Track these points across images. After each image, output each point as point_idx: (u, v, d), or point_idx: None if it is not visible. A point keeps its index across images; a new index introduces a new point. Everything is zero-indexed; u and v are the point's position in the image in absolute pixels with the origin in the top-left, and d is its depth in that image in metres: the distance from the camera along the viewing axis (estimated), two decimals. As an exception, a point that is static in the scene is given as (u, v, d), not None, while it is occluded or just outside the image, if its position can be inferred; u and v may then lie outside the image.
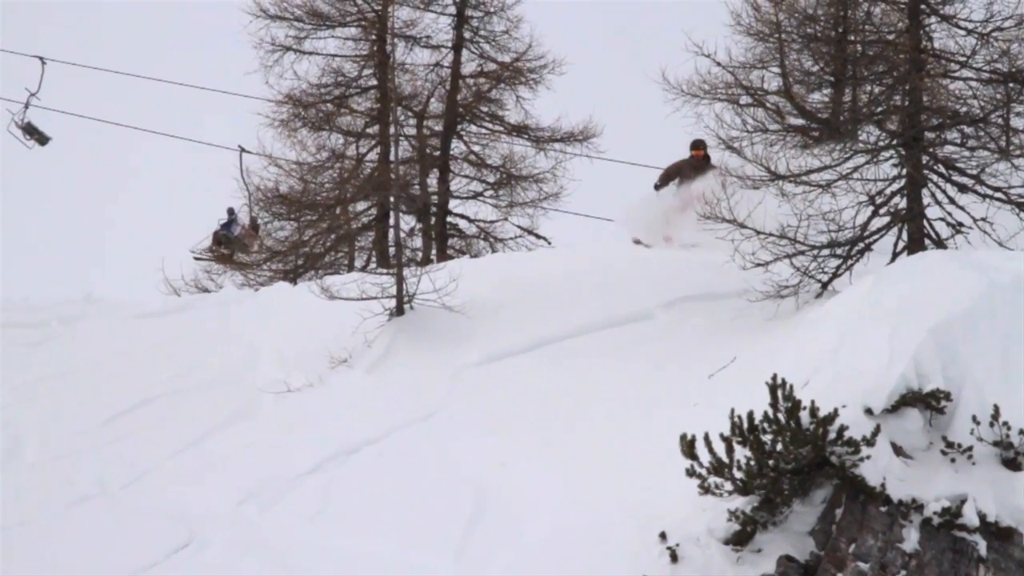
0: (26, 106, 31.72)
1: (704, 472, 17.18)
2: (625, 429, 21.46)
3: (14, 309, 31.36)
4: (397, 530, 19.84)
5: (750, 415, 16.97)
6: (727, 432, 17.06)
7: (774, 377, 16.91)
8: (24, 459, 23.57)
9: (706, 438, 17.07)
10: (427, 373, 25.79)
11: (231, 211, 32.11)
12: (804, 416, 16.82)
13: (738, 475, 17.01)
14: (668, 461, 17.85)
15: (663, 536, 17.52)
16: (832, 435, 16.75)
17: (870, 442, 16.68)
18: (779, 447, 16.84)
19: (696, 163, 27.55)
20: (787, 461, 16.86)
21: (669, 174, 28.07)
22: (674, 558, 17.01)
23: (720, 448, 17.06)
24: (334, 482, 21.93)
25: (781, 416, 16.85)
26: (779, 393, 16.89)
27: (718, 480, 17.20)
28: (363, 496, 21.24)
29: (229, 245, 32.54)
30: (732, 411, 17.09)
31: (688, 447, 17.25)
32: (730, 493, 17.25)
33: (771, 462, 16.87)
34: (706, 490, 17.27)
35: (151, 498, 22.21)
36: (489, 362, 25.77)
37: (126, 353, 28.53)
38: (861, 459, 16.72)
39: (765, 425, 16.92)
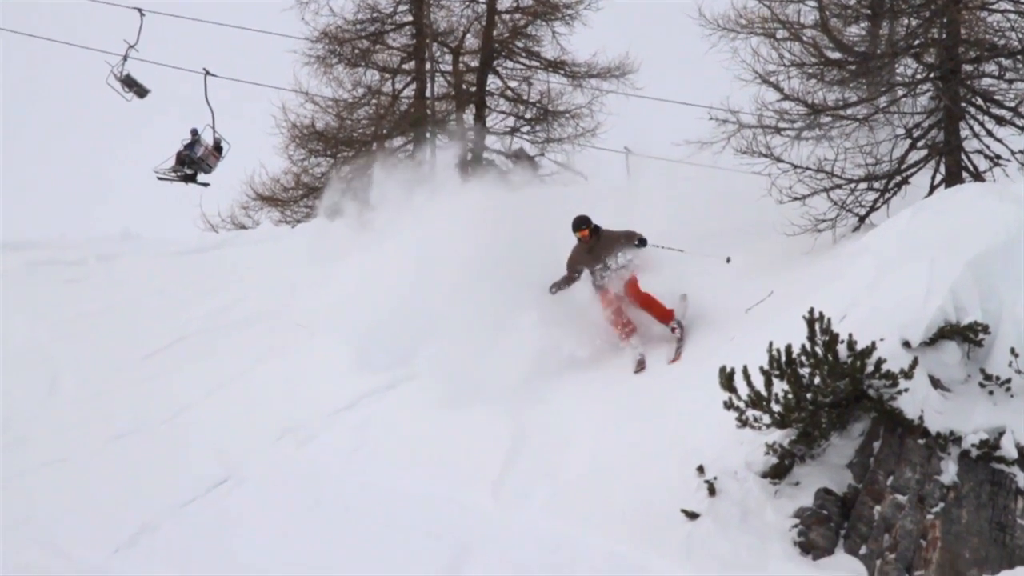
0: (124, 58, 31.56)
1: (742, 405, 17.11)
2: (663, 364, 21.42)
3: (52, 246, 31.45)
4: (434, 466, 19.90)
5: (788, 349, 16.89)
6: (765, 366, 16.99)
7: (811, 311, 16.81)
8: (63, 395, 23.70)
9: (744, 372, 17.00)
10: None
11: (194, 131, 31.93)
12: (842, 349, 16.75)
13: (776, 408, 16.95)
14: (706, 395, 17.81)
15: (701, 470, 17.49)
16: (870, 368, 16.68)
17: (908, 375, 16.60)
18: (817, 380, 16.77)
19: (587, 244, 21.13)
20: (825, 394, 16.79)
21: (571, 269, 21.58)
22: (712, 491, 16.98)
23: (758, 381, 16.99)
24: (372, 418, 21.99)
25: (819, 349, 16.77)
26: (817, 327, 16.80)
27: (756, 413, 17.14)
28: (400, 432, 21.29)
29: (192, 165, 32.40)
30: (770, 345, 17.01)
31: (726, 380, 17.18)
32: (768, 426, 17.19)
33: (809, 395, 16.79)
34: (744, 423, 17.20)
35: (189, 434, 22.33)
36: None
37: (164, 290, 28.62)
38: (899, 392, 16.65)
39: (803, 358, 16.84)
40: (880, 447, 16.79)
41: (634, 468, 18.43)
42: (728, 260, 19.70)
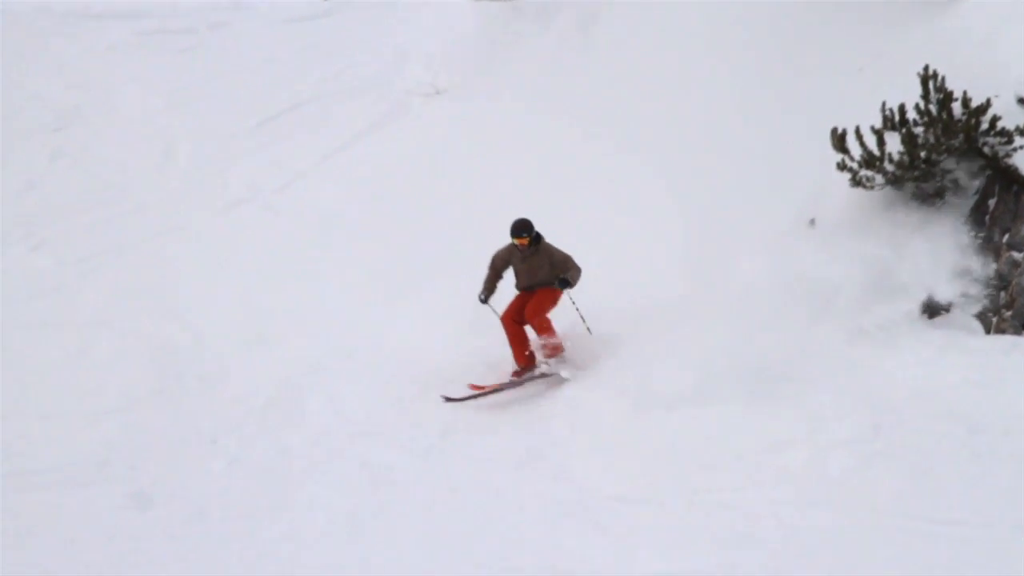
0: None
1: (855, 165, 16.92)
2: (774, 120, 21.14)
3: (162, 15, 31.38)
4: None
5: (901, 107, 16.61)
6: (878, 125, 16.75)
7: (926, 68, 16.48)
8: (177, 165, 23.88)
9: (857, 131, 16.76)
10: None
11: None
12: (956, 107, 16.43)
13: (889, 168, 16.74)
14: (819, 154, 17.62)
15: (812, 223, 17.43)
16: (984, 125, 16.37)
17: (1023, 132, 16.31)
18: (931, 138, 16.51)
19: (523, 252, 17.43)
20: (939, 152, 16.54)
21: (497, 266, 17.67)
22: (824, 246, 16.96)
23: (871, 141, 16.76)
24: (475, 181, 22.00)
25: (932, 107, 16.48)
26: (931, 84, 16.49)
27: (869, 173, 16.94)
28: (511, 196, 21.28)
29: None
30: (883, 104, 16.74)
31: (839, 141, 16.96)
32: (881, 186, 17.00)
33: (923, 153, 16.56)
34: (857, 183, 17.02)
35: (302, 201, 22.47)
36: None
37: (275, 58, 28.55)
38: (1014, 149, 16.35)
39: (916, 117, 16.56)
40: (995, 205, 16.56)
41: (746, 215, 18.60)
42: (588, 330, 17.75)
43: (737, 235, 18.54)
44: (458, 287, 18.67)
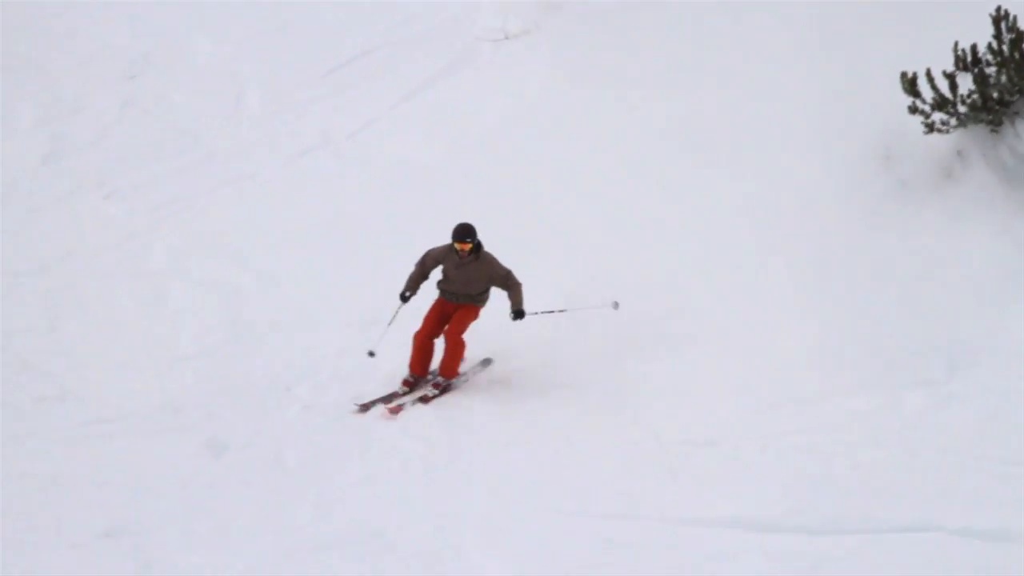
0: None
1: (927, 108, 16.81)
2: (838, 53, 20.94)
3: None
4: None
5: (973, 48, 16.51)
6: (949, 68, 16.63)
7: (998, 9, 16.35)
8: (249, 112, 23.91)
9: (928, 74, 16.66)
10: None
11: None
12: (1029, 47, 16.33)
13: (962, 109, 16.63)
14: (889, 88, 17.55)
15: (888, 158, 17.36)
16: (1058, 66, 16.27)
17: (1098, 72, 16.18)
18: (1003, 79, 16.38)
19: (461, 259, 16.11)
20: (1011, 92, 16.41)
21: (427, 264, 16.29)
22: (901, 184, 16.93)
23: (943, 84, 16.64)
24: (548, 128, 21.97)
25: (1005, 47, 16.33)
26: (1002, 25, 16.34)
27: (942, 116, 16.84)
28: (584, 141, 21.28)
29: None
30: (955, 44, 16.62)
31: (909, 84, 16.86)
32: (954, 128, 16.90)
33: (995, 94, 16.43)
34: (930, 128, 16.93)
35: (373, 148, 22.49)
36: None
37: (345, 4, 28.47)
38: (1088, 89, 16.26)
39: (989, 57, 16.44)
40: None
41: (818, 145, 18.53)
42: (616, 306, 16.65)
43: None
44: (524, 231, 18.71)
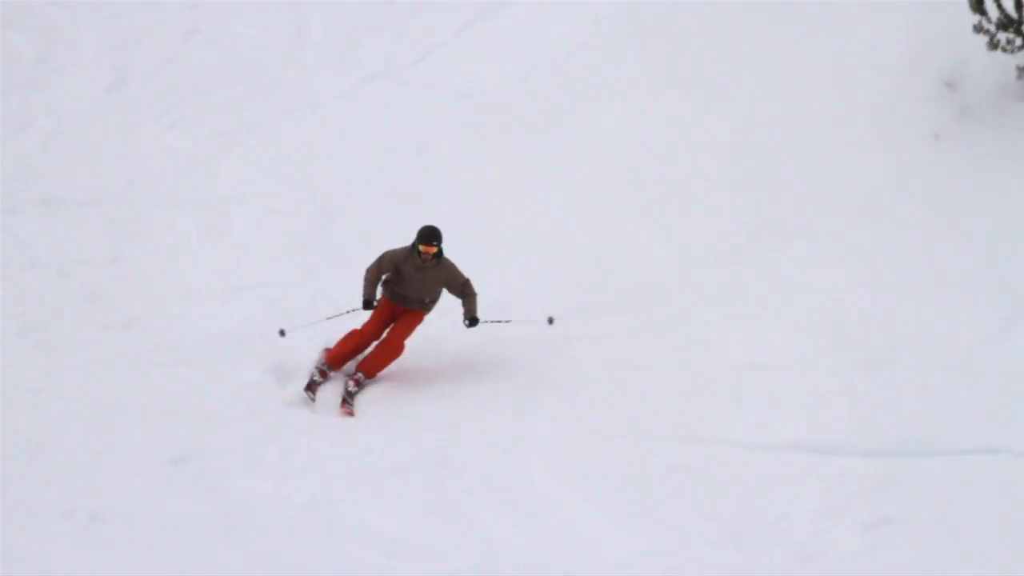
0: None
1: (992, 28, 16.62)
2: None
3: None
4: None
5: (1040, -34, 16.30)
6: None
7: (1068, -77, 16.13)
8: (311, 40, 23.87)
9: (994, -7, 16.49)
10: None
11: None
12: (1099, -36, 16.10)
13: (1027, 29, 16.47)
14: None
15: (950, 85, 17.18)
16: None
17: None
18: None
19: (422, 263, 15.27)
20: (1080, 12, 16.24)
21: (384, 266, 15.35)
22: (963, 112, 16.74)
23: (1008, 3, 16.44)
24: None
25: (1074, -36, 16.15)
26: (1072, -60, 16.14)
27: (1007, 35, 16.66)
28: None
29: None
30: (1023, -37, 16.43)
31: (976, 3, 16.66)
32: (1019, 48, 16.73)
33: (1062, 14, 16.27)
34: (995, 46, 16.74)
35: (437, 76, 22.43)
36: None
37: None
38: None
39: (1056, -25, 16.25)
40: None
41: (880, 86, 18.29)
42: (551, 321, 16.17)
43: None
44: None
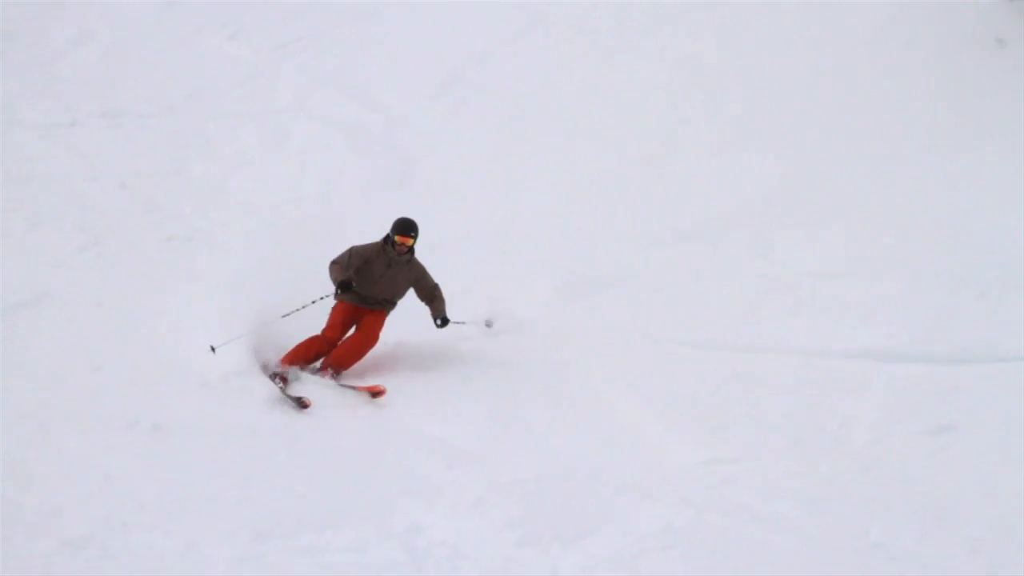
0: None
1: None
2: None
3: None
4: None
5: None
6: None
7: None
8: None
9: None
10: None
11: None
12: None
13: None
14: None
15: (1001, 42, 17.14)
16: None
17: None
18: None
19: (395, 257, 14.34)
20: None
21: (352, 260, 14.34)
22: (1001, 43, 16.63)
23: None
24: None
25: None
26: None
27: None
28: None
29: None
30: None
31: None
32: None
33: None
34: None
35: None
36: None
37: None
38: None
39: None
40: None
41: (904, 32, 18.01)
42: (489, 324, 15.46)
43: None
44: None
